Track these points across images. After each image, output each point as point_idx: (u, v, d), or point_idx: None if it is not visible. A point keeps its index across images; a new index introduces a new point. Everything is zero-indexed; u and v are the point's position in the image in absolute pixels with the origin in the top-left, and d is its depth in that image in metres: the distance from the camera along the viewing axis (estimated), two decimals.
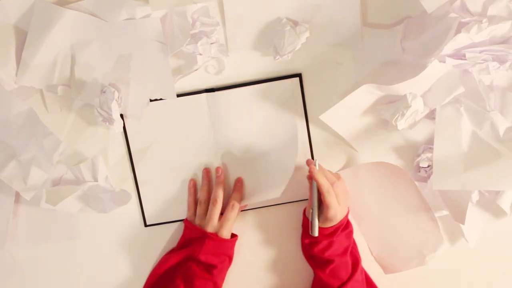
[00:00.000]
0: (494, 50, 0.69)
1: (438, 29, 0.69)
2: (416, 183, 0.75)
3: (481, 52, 0.69)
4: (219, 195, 0.75)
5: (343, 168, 0.78)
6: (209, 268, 0.72)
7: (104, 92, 0.73)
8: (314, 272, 0.74)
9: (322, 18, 0.74)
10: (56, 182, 0.77)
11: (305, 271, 0.77)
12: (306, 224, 0.73)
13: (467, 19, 0.68)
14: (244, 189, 0.77)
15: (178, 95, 0.76)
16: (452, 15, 0.68)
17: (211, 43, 0.73)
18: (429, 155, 0.75)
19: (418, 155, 0.77)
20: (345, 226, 0.72)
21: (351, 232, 0.74)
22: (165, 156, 0.77)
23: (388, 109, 0.71)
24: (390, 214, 0.77)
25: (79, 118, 0.76)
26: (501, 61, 0.69)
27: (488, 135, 0.70)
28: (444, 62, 0.69)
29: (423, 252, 0.75)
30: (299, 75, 0.76)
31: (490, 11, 0.68)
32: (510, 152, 0.67)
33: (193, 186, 0.78)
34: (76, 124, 0.77)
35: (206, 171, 0.77)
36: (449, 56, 0.69)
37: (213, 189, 0.76)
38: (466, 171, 0.68)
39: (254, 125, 0.77)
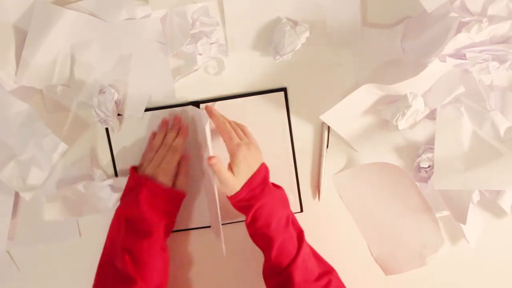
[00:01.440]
0: (494, 50, 0.69)
1: (438, 29, 0.69)
2: (417, 183, 0.74)
3: (481, 51, 0.69)
4: (170, 139, 0.72)
5: (343, 169, 0.78)
6: (148, 230, 0.68)
7: (104, 92, 0.73)
8: (264, 255, 0.70)
9: (322, 18, 0.74)
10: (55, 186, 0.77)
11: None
12: (235, 200, 0.69)
13: (467, 18, 0.68)
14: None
15: (166, 107, 0.76)
16: (452, 14, 0.68)
17: (211, 43, 0.73)
18: (429, 155, 0.75)
19: (419, 156, 0.76)
20: (274, 185, 0.71)
21: (285, 198, 0.72)
22: None
23: (388, 109, 0.71)
24: (391, 214, 0.77)
25: (79, 118, 0.76)
26: (501, 60, 0.69)
27: (488, 134, 0.70)
28: (444, 61, 0.69)
29: (424, 253, 0.75)
30: (284, 89, 0.76)
31: (490, 11, 0.68)
32: (510, 152, 0.67)
33: (153, 137, 0.75)
34: (76, 124, 0.76)
35: (165, 121, 0.76)
36: (449, 55, 0.69)
37: (167, 134, 0.74)
38: (467, 171, 0.68)
39: None
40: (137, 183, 0.71)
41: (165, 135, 0.74)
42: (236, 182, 0.67)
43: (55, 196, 0.75)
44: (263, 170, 0.70)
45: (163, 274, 0.70)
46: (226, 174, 0.66)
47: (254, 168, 0.69)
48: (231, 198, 0.68)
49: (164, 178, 0.71)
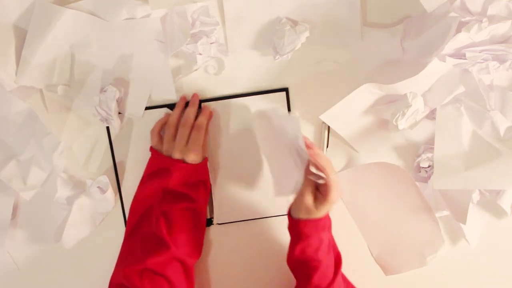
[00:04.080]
0: (494, 50, 0.69)
1: (438, 29, 0.69)
2: (417, 183, 0.74)
3: (481, 51, 0.69)
4: (191, 116, 0.72)
5: (343, 169, 0.78)
6: (185, 197, 0.69)
7: (105, 91, 0.73)
8: (300, 283, 0.68)
9: (322, 17, 0.74)
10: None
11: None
12: (293, 226, 0.66)
13: (467, 18, 0.68)
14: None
15: (166, 106, 0.76)
16: (452, 14, 0.68)
17: (211, 43, 0.73)
18: (429, 155, 0.75)
19: (419, 155, 0.76)
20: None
21: (330, 222, 0.69)
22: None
23: (388, 109, 0.71)
24: (391, 214, 0.77)
25: (79, 117, 0.76)
26: (501, 60, 0.69)
27: (488, 134, 0.70)
28: (444, 61, 0.69)
29: (424, 253, 0.75)
30: (286, 90, 0.76)
31: (490, 11, 0.68)
32: (510, 151, 0.67)
33: (168, 116, 0.75)
34: (76, 123, 0.77)
35: (183, 98, 0.75)
36: (449, 55, 0.69)
37: (185, 111, 0.74)
38: (467, 171, 0.68)
39: (242, 138, 0.77)
40: (167, 166, 0.71)
41: (181, 111, 0.74)
42: (315, 211, 0.64)
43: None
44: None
45: (197, 244, 0.72)
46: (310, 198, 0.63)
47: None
48: (317, 220, 0.64)
49: (194, 158, 0.71)
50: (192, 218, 0.71)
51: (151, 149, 0.75)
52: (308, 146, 0.63)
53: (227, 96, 0.76)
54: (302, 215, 0.64)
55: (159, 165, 0.72)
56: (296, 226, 0.65)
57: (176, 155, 0.71)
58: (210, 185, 0.76)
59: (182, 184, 0.70)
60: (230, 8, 0.74)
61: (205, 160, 0.74)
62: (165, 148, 0.73)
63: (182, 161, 0.70)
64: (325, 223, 0.66)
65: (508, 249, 0.79)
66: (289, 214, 0.67)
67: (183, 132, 0.72)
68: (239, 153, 0.77)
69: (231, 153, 0.77)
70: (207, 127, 0.75)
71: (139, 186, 0.74)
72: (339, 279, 0.68)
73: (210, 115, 0.75)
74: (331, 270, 0.67)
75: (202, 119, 0.73)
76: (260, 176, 0.77)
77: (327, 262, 0.67)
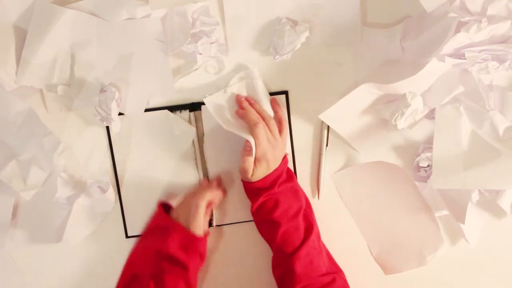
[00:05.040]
0: (494, 50, 0.69)
1: (437, 29, 0.69)
2: (416, 183, 0.75)
3: (480, 51, 0.69)
4: (206, 197, 0.72)
5: (343, 168, 0.78)
6: (178, 265, 0.68)
7: (105, 91, 0.73)
8: (270, 246, 0.72)
9: (322, 17, 0.74)
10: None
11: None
12: (247, 186, 0.72)
13: (467, 18, 0.68)
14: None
15: (166, 107, 0.76)
16: (452, 14, 0.68)
17: (211, 43, 0.73)
18: (428, 154, 0.75)
19: (418, 155, 0.77)
20: (288, 178, 0.72)
21: (297, 190, 0.73)
22: (150, 167, 0.78)
23: (387, 108, 0.71)
24: (390, 214, 0.77)
25: (79, 117, 0.76)
26: (501, 60, 0.69)
27: (487, 134, 0.70)
28: (443, 61, 0.69)
29: (424, 252, 0.75)
30: (285, 92, 0.76)
31: (490, 11, 0.68)
32: (509, 151, 0.67)
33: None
34: (76, 123, 0.77)
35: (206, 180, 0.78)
36: (449, 55, 0.69)
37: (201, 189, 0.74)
38: (466, 170, 0.68)
39: (241, 139, 0.76)
40: (167, 226, 0.71)
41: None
42: (268, 149, 0.69)
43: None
44: (281, 165, 0.71)
45: None
46: (262, 134, 0.68)
47: (274, 166, 0.71)
48: (264, 179, 0.70)
49: (195, 230, 0.70)
50: (184, 286, 0.69)
51: (159, 204, 0.75)
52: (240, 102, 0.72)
53: None
54: (244, 177, 0.71)
55: (160, 222, 0.72)
56: (249, 188, 0.71)
57: (180, 220, 0.70)
58: (206, 256, 0.73)
59: (178, 248, 0.69)
60: (230, 8, 0.74)
61: (206, 233, 0.72)
62: (175, 213, 0.73)
63: (182, 226, 0.70)
64: (274, 179, 0.70)
65: (508, 249, 0.79)
66: (242, 181, 0.73)
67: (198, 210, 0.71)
68: (237, 154, 0.77)
69: (229, 154, 0.77)
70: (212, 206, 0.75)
71: (137, 242, 0.74)
72: (307, 249, 0.68)
73: (217, 190, 0.75)
74: (297, 237, 0.69)
75: (209, 196, 0.72)
76: None
77: (288, 226, 0.69)
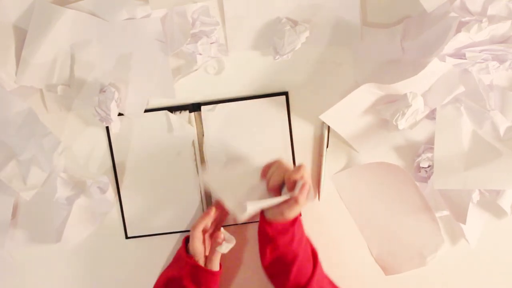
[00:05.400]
0: (494, 50, 0.69)
1: (438, 29, 0.69)
2: (417, 183, 0.74)
3: (481, 51, 0.69)
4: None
5: (343, 169, 0.78)
6: None
7: (104, 91, 0.73)
8: (278, 282, 0.70)
9: (322, 17, 0.74)
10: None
11: None
12: (263, 229, 0.68)
13: (467, 18, 0.68)
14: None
15: (166, 107, 0.76)
16: (452, 14, 0.68)
17: (211, 43, 0.73)
18: (429, 155, 0.75)
19: (419, 155, 0.76)
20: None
21: (301, 221, 0.71)
22: (149, 167, 0.77)
23: (388, 109, 0.71)
24: (391, 214, 0.77)
25: (79, 117, 0.76)
26: (501, 60, 0.69)
27: (488, 134, 0.70)
28: (444, 61, 0.69)
29: (424, 252, 0.75)
30: (285, 93, 0.76)
31: (490, 11, 0.68)
32: (510, 151, 0.67)
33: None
34: (76, 124, 0.77)
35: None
36: (449, 55, 0.69)
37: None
38: (467, 171, 0.68)
39: (240, 140, 0.77)
40: (183, 257, 0.71)
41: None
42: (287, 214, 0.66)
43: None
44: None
45: None
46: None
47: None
48: (273, 224, 0.67)
49: (207, 265, 0.71)
50: None
51: (184, 239, 0.74)
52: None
53: (226, 100, 0.76)
54: (275, 218, 0.67)
55: (180, 253, 0.73)
56: (269, 227, 0.67)
57: (196, 255, 0.71)
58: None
59: (193, 281, 0.69)
60: (230, 8, 0.74)
61: (219, 270, 0.72)
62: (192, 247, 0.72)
63: (195, 262, 0.70)
64: (294, 221, 0.67)
65: (508, 249, 0.79)
66: (263, 216, 0.68)
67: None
68: (237, 155, 0.77)
69: (229, 155, 0.77)
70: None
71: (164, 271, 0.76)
72: (319, 273, 0.68)
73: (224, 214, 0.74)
74: (309, 264, 0.68)
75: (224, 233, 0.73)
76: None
77: (303, 256, 0.67)
